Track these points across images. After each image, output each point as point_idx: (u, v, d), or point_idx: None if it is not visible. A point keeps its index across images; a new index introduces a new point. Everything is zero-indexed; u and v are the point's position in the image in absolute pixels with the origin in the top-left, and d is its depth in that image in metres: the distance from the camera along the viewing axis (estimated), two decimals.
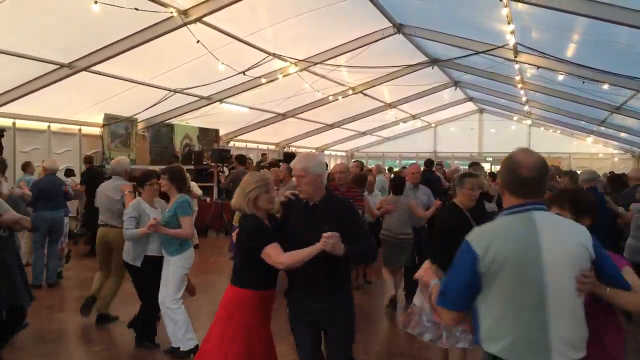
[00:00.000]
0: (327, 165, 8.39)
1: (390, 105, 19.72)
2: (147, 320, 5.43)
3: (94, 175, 10.08)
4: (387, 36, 12.09)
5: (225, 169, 14.13)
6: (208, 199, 13.44)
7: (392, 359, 5.38)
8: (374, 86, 16.23)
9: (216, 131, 17.79)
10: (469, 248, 2.17)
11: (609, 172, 14.96)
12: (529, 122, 23.88)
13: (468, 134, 25.69)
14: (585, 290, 2.19)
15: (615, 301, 2.28)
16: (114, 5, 7.61)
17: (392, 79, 15.41)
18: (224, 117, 15.66)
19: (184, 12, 8.97)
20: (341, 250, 3.10)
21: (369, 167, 17.23)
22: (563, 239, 2.19)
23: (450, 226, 4.18)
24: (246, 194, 3.39)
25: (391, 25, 11.80)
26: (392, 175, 9.57)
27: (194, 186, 10.49)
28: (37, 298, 7.21)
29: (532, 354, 2.12)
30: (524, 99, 17.51)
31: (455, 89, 19.11)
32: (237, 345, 3.32)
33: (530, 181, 2.21)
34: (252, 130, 18.48)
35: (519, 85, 14.96)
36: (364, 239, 3.34)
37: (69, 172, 10.96)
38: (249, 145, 20.12)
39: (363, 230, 3.43)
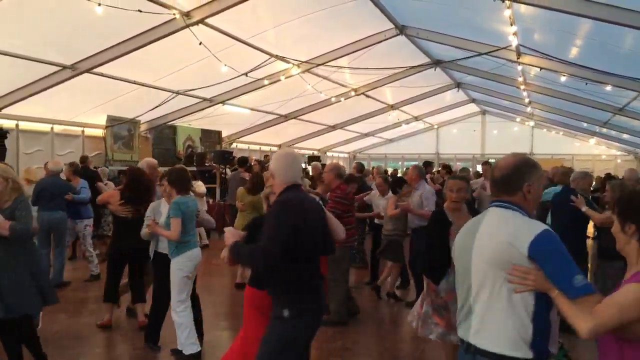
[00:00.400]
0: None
1: (393, 107, 19.72)
2: (151, 319, 5.46)
3: (90, 174, 10.05)
4: (390, 38, 12.09)
5: (228, 171, 14.14)
6: (210, 200, 13.44)
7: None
8: (376, 87, 16.24)
9: (218, 133, 17.81)
10: None
11: (605, 174, 14.87)
12: (531, 123, 23.85)
13: (470, 136, 25.66)
14: (517, 282, 2.27)
15: (559, 306, 2.25)
16: (117, 7, 7.63)
17: (395, 81, 15.40)
18: (226, 119, 15.68)
19: (187, 14, 8.98)
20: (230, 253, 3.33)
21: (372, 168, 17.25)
22: (492, 233, 2.40)
23: (428, 229, 4.54)
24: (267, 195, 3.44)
25: (393, 26, 11.80)
26: (388, 177, 9.57)
27: (199, 185, 10.53)
28: None
29: (461, 327, 2.50)
30: (526, 100, 17.50)
31: (458, 91, 19.09)
32: None
33: (497, 181, 2.49)
34: (254, 132, 18.49)
35: (522, 87, 14.94)
36: (260, 241, 3.19)
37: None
38: (252, 146, 20.14)
39: (266, 231, 3.18)
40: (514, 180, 2.43)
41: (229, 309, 7.22)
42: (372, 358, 5.40)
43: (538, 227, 2.32)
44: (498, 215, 2.45)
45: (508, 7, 8.75)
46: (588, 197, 6.41)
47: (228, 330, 6.26)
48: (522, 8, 8.96)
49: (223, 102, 14.28)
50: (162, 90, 12.29)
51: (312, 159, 19.37)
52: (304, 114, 17.74)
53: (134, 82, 11.52)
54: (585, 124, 19.68)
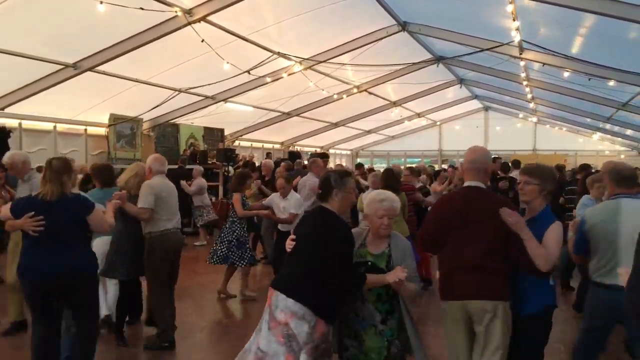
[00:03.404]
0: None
1: (395, 104, 19.69)
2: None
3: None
4: (392, 34, 12.07)
5: (231, 169, 14.13)
6: (214, 198, 13.44)
7: None
8: (379, 84, 16.21)
9: (221, 131, 17.79)
10: None
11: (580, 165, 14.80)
12: (534, 119, 23.79)
13: (473, 132, 25.57)
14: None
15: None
16: (119, 5, 7.62)
17: (397, 77, 15.39)
18: (228, 117, 15.68)
19: (189, 12, 8.98)
20: None
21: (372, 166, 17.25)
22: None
23: None
24: None
25: (396, 23, 11.78)
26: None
27: (183, 184, 10.90)
28: None
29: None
30: (529, 96, 17.45)
31: (461, 87, 19.06)
32: None
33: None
34: (257, 130, 18.50)
35: (525, 83, 14.90)
36: None
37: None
38: (254, 144, 20.13)
39: None
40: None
41: (230, 306, 7.23)
42: None
43: None
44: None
45: (510, 3, 8.72)
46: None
47: (230, 327, 6.26)
48: (525, 3, 8.93)
49: (225, 100, 14.28)
50: (164, 88, 12.29)
51: (314, 156, 19.29)
52: (306, 112, 17.72)
53: (137, 81, 11.52)
54: (588, 120, 19.63)
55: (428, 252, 3.79)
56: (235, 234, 7.05)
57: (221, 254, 6.99)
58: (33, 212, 3.86)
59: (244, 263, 7.05)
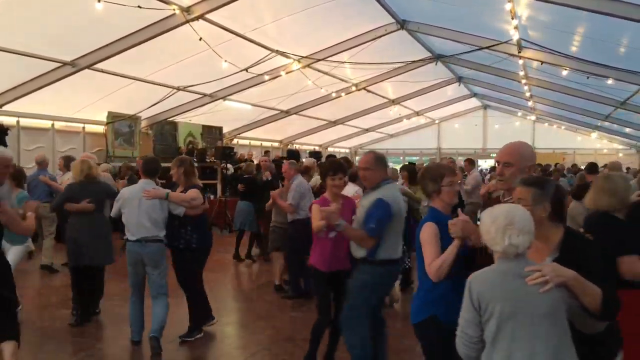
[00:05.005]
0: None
1: (394, 102, 19.68)
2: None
3: None
4: (391, 32, 12.07)
5: (230, 166, 14.13)
6: (212, 196, 13.44)
7: (396, 355, 5.37)
8: (377, 82, 16.21)
9: (220, 129, 17.78)
10: None
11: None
12: (533, 117, 23.82)
13: (472, 130, 25.61)
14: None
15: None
16: (117, 3, 7.61)
17: (396, 75, 15.38)
18: (227, 115, 15.66)
19: (187, 9, 8.96)
20: None
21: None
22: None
23: None
24: None
25: (394, 21, 11.77)
26: None
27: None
28: (41, 294, 7.28)
29: None
30: (528, 94, 17.46)
31: (459, 85, 19.05)
32: None
33: (381, 168, 4.03)
34: (255, 128, 18.49)
35: (523, 81, 14.91)
36: None
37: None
38: (253, 142, 20.11)
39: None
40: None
41: (230, 304, 7.23)
42: None
43: None
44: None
45: (509, 1, 8.72)
46: None
47: (230, 325, 6.27)
48: (524, 1, 8.93)
49: (224, 98, 14.26)
50: (162, 86, 12.28)
51: (312, 154, 19.27)
52: (305, 110, 17.72)
53: (135, 79, 11.50)
54: (586, 118, 19.63)
55: None
56: None
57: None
58: None
59: None
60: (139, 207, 5.10)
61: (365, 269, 4.11)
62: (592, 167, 9.32)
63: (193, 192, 5.31)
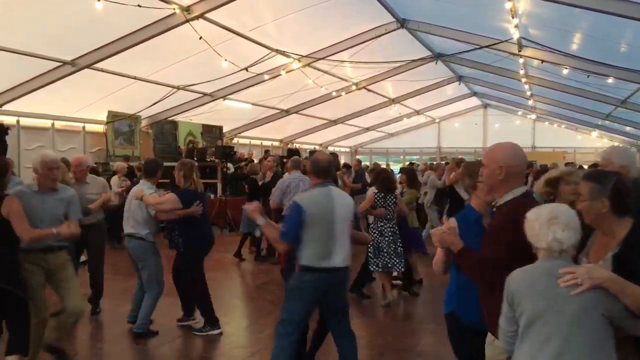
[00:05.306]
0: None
1: (394, 101, 19.67)
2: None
3: None
4: (391, 31, 12.04)
5: (230, 166, 14.13)
6: (212, 196, 13.44)
7: (396, 354, 5.38)
8: (378, 81, 16.19)
9: (220, 128, 17.78)
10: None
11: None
12: (533, 116, 23.79)
13: (472, 129, 25.57)
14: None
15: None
16: (117, 2, 7.60)
17: (396, 74, 15.35)
18: (227, 114, 15.65)
19: (187, 9, 8.95)
20: None
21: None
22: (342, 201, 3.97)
23: None
24: None
25: (394, 20, 11.75)
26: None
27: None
28: None
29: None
30: (528, 93, 17.44)
31: (459, 84, 19.03)
32: None
33: (322, 170, 3.95)
34: (255, 127, 18.48)
35: (523, 80, 14.89)
36: None
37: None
38: (253, 141, 20.10)
39: None
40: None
41: (230, 304, 7.23)
42: (375, 351, 5.40)
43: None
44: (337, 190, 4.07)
45: (509, 0, 8.70)
46: None
47: (230, 324, 6.27)
48: (524, 0, 8.92)
49: (224, 97, 14.25)
50: (162, 85, 12.27)
51: (312, 153, 19.27)
52: (305, 109, 17.70)
53: (135, 78, 11.49)
54: (587, 117, 19.60)
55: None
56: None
57: (399, 260, 6.99)
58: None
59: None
60: (129, 205, 5.64)
61: (294, 273, 4.06)
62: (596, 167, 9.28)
63: (165, 197, 5.51)
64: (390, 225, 7.03)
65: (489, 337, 2.81)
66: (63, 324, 4.59)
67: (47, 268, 4.44)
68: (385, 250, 6.92)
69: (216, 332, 5.72)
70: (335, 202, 3.94)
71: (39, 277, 4.40)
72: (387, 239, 6.96)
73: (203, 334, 5.70)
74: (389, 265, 6.94)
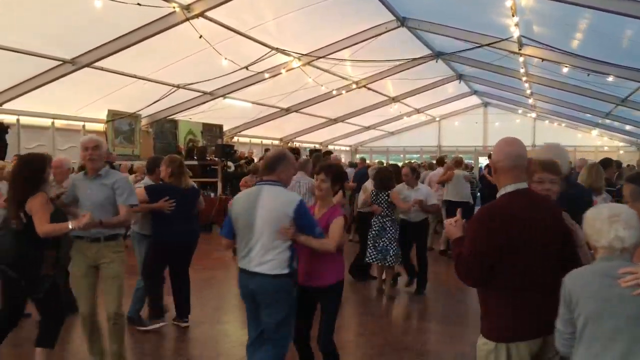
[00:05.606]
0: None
1: (394, 99, 19.65)
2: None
3: None
4: (391, 30, 12.03)
5: (230, 164, 14.13)
6: (212, 194, 13.45)
7: (396, 353, 5.38)
8: (378, 80, 16.17)
9: (220, 127, 17.78)
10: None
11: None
12: (533, 115, 23.76)
13: (472, 128, 25.54)
14: (285, 235, 3.57)
15: (307, 243, 3.66)
16: (117, 1, 7.60)
17: (396, 73, 15.34)
18: (227, 113, 15.64)
19: (187, 7, 8.95)
20: None
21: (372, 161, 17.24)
22: (270, 203, 3.62)
23: None
24: None
25: (394, 18, 11.74)
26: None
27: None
28: None
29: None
30: (528, 91, 17.42)
31: (460, 83, 19.02)
32: None
33: (262, 168, 3.82)
34: (255, 126, 18.46)
35: (524, 78, 14.87)
36: None
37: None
38: (253, 140, 20.09)
39: None
40: (275, 166, 3.74)
41: (230, 303, 7.23)
42: (374, 351, 5.40)
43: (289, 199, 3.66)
44: (269, 190, 3.68)
45: None
46: None
47: (229, 323, 6.27)
48: None
49: (224, 96, 14.25)
50: (162, 84, 12.27)
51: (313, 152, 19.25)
52: (305, 107, 17.69)
53: (135, 77, 11.49)
54: (587, 115, 19.59)
55: (476, 285, 2.79)
56: (398, 232, 7.28)
57: (394, 254, 7.15)
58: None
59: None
60: None
61: None
62: (606, 162, 9.04)
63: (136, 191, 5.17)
64: (387, 221, 7.28)
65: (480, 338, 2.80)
66: (108, 327, 4.48)
67: (92, 259, 4.32)
68: (381, 244, 7.20)
69: (161, 324, 5.74)
70: (259, 203, 3.63)
71: (81, 267, 4.34)
72: (388, 233, 7.22)
73: (149, 327, 5.67)
74: (386, 258, 7.20)
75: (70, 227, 3.96)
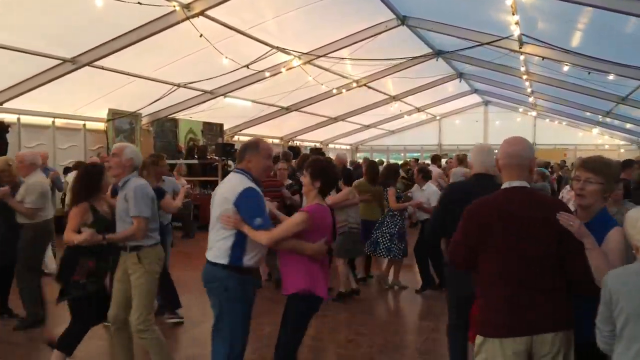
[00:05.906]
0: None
1: (395, 98, 19.65)
2: None
3: None
4: (391, 28, 12.03)
5: (231, 163, 14.11)
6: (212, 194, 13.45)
7: (396, 351, 5.38)
8: (378, 79, 16.17)
9: (220, 125, 17.78)
10: None
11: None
12: (534, 113, 23.76)
13: (473, 127, 25.55)
14: (227, 224, 3.43)
15: (249, 234, 3.43)
16: (117, 0, 7.59)
17: (396, 72, 15.35)
18: (228, 112, 15.65)
19: (187, 6, 8.95)
20: None
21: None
22: (221, 189, 3.64)
23: None
24: None
25: (395, 17, 11.74)
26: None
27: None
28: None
29: None
30: (529, 90, 17.42)
31: (460, 81, 19.02)
32: None
33: (237, 157, 3.74)
34: (256, 125, 18.47)
35: (524, 77, 14.87)
36: None
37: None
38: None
39: None
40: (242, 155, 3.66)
41: None
42: (375, 349, 5.40)
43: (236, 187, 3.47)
44: (228, 178, 3.68)
45: None
46: None
47: None
48: None
49: (224, 95, 14.25)
50: (163, 83, 12.27)
51: (312, 151, 19.23)
52: (305, 106, 17.69)
53: (135, 75, 11.50)
54: (588, 114, 19.60)
55: (460, 268, 2.96)
56: (397, 226, 7.36)
57: (384, 247, 7.32)
58: None
59: (401, 255, 7.44)
60: None
61: None
62: (627, 162, 8.65)
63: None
64: (387, 215, 7.53)
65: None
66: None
67: (124, 267, 4.30)
68: (374, 236, 7.43)
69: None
70: (217, 191, 3.70)
71: (119, 272, 4.32)
72: (383, 227, 7.43)
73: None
74: (377, 250, 7.43)
75: (74, 241, 4.07)
